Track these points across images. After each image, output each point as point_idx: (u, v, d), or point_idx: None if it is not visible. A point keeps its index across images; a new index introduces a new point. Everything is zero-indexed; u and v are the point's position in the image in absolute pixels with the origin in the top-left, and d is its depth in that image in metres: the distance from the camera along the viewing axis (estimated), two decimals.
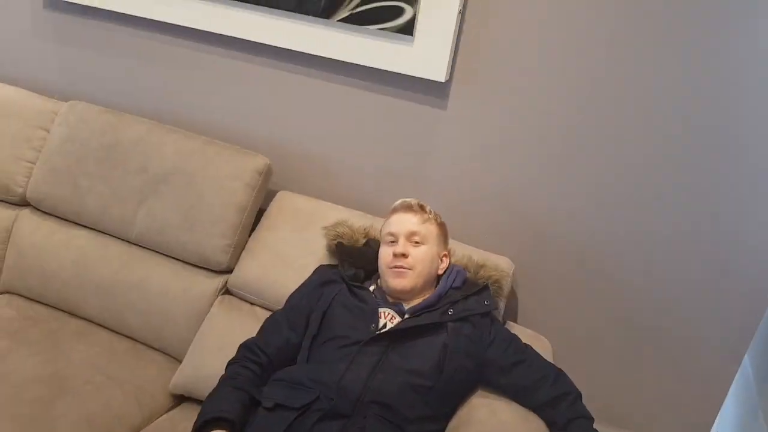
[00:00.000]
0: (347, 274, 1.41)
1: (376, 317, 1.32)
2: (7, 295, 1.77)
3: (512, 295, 1.67)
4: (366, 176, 1.73)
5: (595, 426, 1.25)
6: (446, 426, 1.29)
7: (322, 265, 1.48)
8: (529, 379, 1.31)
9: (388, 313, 1.34)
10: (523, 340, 1.39)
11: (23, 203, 1.82)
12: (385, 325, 1.32)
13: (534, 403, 1.30)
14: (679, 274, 1.53)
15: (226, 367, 1.34)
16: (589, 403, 1.31)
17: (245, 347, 1.37)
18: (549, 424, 1.28)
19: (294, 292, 1.44)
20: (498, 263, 1.50)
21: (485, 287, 1.40)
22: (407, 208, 1.42)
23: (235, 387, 1.26)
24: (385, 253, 1.38)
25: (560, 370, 1.35)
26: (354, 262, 1.45)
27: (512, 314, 1.70)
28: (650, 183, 1.49)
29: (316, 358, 1.31)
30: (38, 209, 1.79)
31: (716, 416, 1.63)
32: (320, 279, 1.42)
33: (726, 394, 1.60)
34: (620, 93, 1.45)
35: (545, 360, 1.36)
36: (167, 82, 1.87)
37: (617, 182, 1.52)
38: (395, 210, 1.44)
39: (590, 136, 1.50)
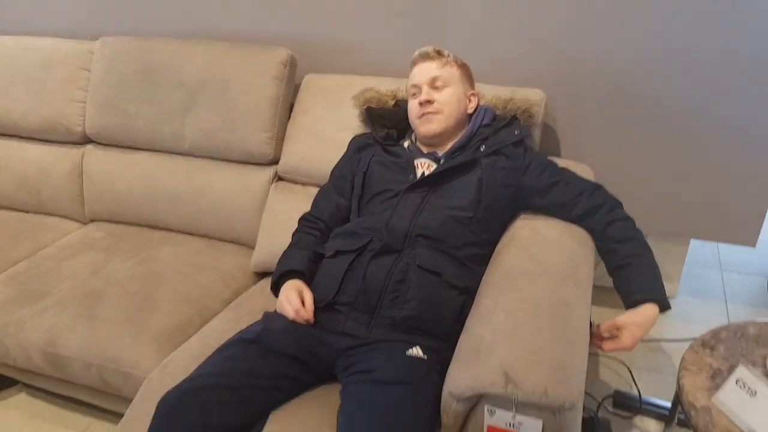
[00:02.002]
0: (380, 136, 1.50)
1: (413, 168, 1.43)
2: (93, 223, 2.01)
3: (549, 130, 1.74)
4: (388, 42, 1.77)
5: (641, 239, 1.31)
6: (492, 250, 1.40)
7: (354, 136, 1.58)
8: (566, 197, 1.38)
9: (425, 163, 1.44)
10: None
11: (85, 140, 2.01)
12: (423, 174, 1.42)
13: (573, 216, 1.38)
14: (722, 93, 1.55)
15: (291, 237, 1.52)
16: (636, 220, 1.37)
17: (303, 219, 1.53)
18: (589, 231, 1.37)
19: (336, 164, 1.57)
20: (527, 95, 1.55)
21: (514, 118, 1.46)
22: (424, 56, 1.44)
23: (300, 248, 1.44)
24: (413, 106, 1.44)
25: (599, 185, 1.41)
26: (385, 123, 1.54)
27: (552, 148, 1.78)
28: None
29: (365, 213, 1.45)
30: (99, 142, 1.99)
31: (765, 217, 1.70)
32: (355, 147, 1.53)
33: None
34: None
35: (583, 178, 1.42)
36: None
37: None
38: (414, 62, 1.46)
39: None
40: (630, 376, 1.77)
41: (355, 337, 1.25)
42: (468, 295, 1.30)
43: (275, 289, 1.38)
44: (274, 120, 1.74)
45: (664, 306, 1.23)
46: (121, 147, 1.96)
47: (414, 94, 1.44)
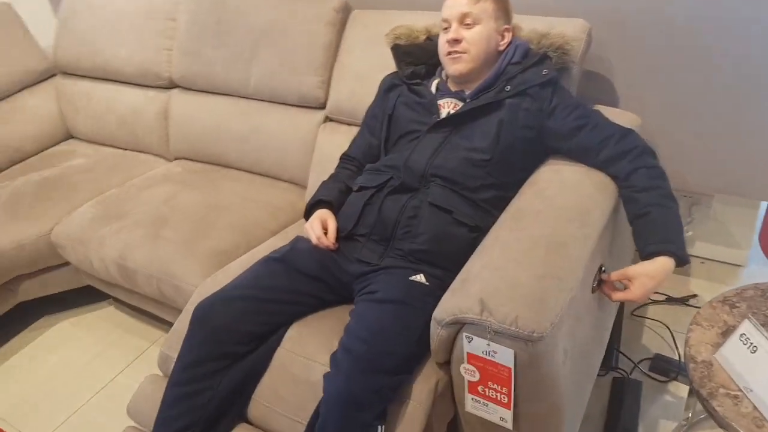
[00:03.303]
0: (405, 74, 1.51)
1: (436, 108, 1.44)
2: (176, 161, 2.25)
3: (596, 76, 1.66)
4: None
5: (677, 194, 1.24)
6: (515, 192, 1.37)
7: (386, 76, 1.59)
8: (592, 141, 1.33)
9: (450, 102, 1.44)
10: (609, 117, 1.37)
11: (172, 85, 2.23)
12: (448, 114, 1.42)
13: (598, 162, 1.33)
14: None
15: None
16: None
17: (341, 157, 1.62)
18: (613, 178, 1.32)
19: (370, 104, 1.62)
20: (564, 30, 1.47)
21: (543, 57, 1.41)
22: None
23: (334, 180, 1.54)
24: (442, 42, 1.41)
25: (629, 130, 1.33)
26: (414, 60, 1.53)
27: (593, 92, 1.70)
28: None
29: (393, 152, 1.49)
30: (183, 87, 2.19)
31: None
32: (385, 87, 1.56)
33: None
34: None
35: (612, 123, 1.35)
36: None
37: None
38: None
39: None
40: (672, 340, 1.69)
41: (369, 264, 1.34)
42: (480, 233, 1.31)
43: (307, 216, 1.49)
44: (327, 64, 1.83)
45: (681, 260, 1.17)
46: (200, 91, 2.15)
47: (445, 29, 1.41)
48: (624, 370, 1.62)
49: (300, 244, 1.41)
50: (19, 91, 2.41)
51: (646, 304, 1.84)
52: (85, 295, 2.16)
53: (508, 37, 1.42)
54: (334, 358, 1.17)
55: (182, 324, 1.39)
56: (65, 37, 2.38)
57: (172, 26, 2.15)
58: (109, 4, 2.28)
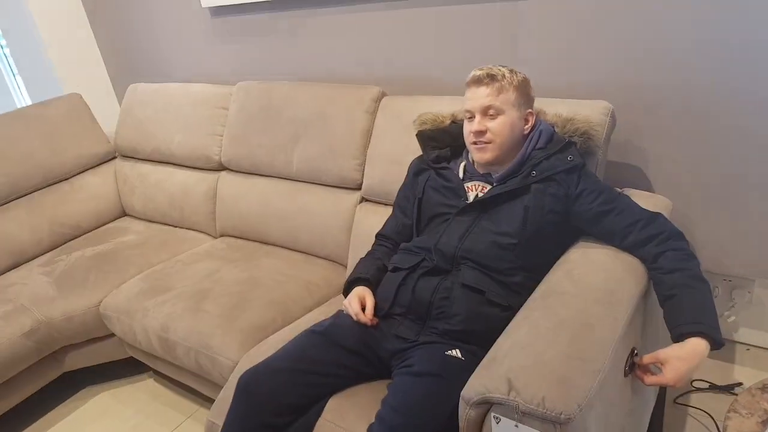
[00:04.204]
0: (430, 158, 1.56)
1: (464, 191, 1.48)
2: (222, 238, 2.35)
3: (624, 157, 1.69)
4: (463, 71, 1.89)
5: (709, 277, 1.22)
6: (545, 273, 1.38)
7: (414, 159, 1.65)
8: (618, 226, 1.34)
9: (478, 185, 1.49)
10: (641, 204, 1.37)
11: (221, 168, 2.37)
12: (476, 197, 1.47)
13: (624, 246, 1.34)
14: None
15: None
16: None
17: (377, 235, 1.68)
18: (642, 261, 1.32)
19: (400, 186, 1.67)
20: (589, 115, 1.51)
21: (568, 143, 1.44)
22: (478, 82, 1.41)
23: (371, 257, 1.59)
24: (467, 131, 1.45)
25: (657, 214, 1.34)
26: (438, 143, 1.59)
27: (626, 178, 1.74)
28: None
29: (424, 234, 1.54)
30: (230, 169, 2.34)
31: None
32: (413, 170, 1.62)
33: None
34: None
35: (640, 207, 1.37)
36: (301, 49, 2.28)
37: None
38: (468, 84, 1.43)
39: None
40: (717, 430, 1.61)
41: (406, 340, 1.38)
42: (512, 312, 1.32)
43: (347, 292, 1.54)
44: (363, 148, 1.93)
45: (714, 341, 1.14)
46: (246, 173, 2.28)
47: (469, 118, 1.45)
48: None
49: (341, 319, 1.45)
50: (82, 171, 2.61)
51: (689, 392, 1.77)
52: (126, 368, 2.22)
53: (531, 120, 1.46)
54: (370, 430, 1.19)
55: (227, 392, 1.44)
56: (127, 124, 2.59)
57: (224, 114, 2.32)
58: (167, 95, 2.49)
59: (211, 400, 2.04)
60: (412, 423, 1.15)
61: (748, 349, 1.87)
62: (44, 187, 2.48)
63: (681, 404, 1.73)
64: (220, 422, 1.37)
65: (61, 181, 2.53)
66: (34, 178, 2.42)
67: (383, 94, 1.94)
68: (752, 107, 1.52)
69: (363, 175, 1.94)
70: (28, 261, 2.34)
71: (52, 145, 2.48)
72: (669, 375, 1.14)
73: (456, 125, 1.60)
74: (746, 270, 1.64)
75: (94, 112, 2.69)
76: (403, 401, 1.21)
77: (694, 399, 1.75)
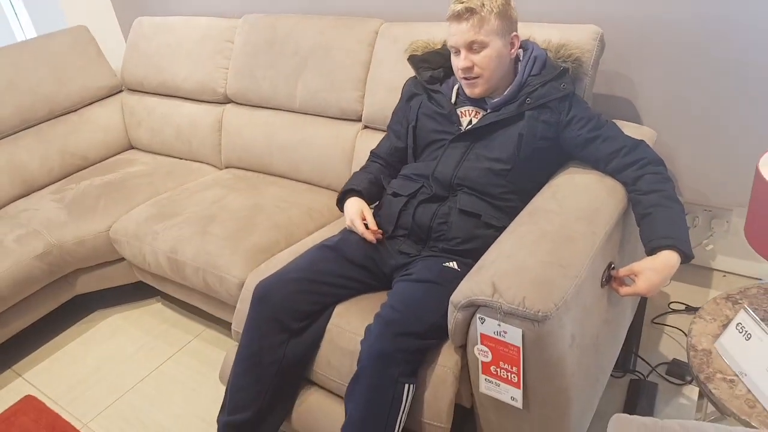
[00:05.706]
0: (424, 79, 1.57)
1: (457, 117, 1.53)
2: (227, 169, 2.43)
3: (611, 87, 1.73)
4: None
5: (682, 203, 1.29)
6: (533, 196, 1.46)
7: (408, 79, 1.68)
8: (603, 152, 1.41)
9: (471, 110, 1.53)
10: (627, 133, 1.43)
11: (226, 100, 2.43)
12: (470, 122, 1.52)
13: (607, 171, 1.42)
14: None
15: None
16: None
17: (371, 152, 1.75)
18: (623, 184, 1.40)
19: (394, 108, 1.72)
20: (580, 40, 1.56)
21: (563, 71, 1.46)
22: (458, 17, 1.40)
23: (365, 171, 1.68)
24: (455, 65, 1.47)
25: (640, 141, 1.41)
26: (431, 65, 1.61)
27: (614, 110, 1.80)
28: None
29: (420, 160, 1.61)
30: (235, 102, 2.39)
31: None
32: (406, 95, 1.66)
33: None
34: None
35: (624, 135, 1.43)
36: None
37: None
38: (449, 19, 1.42)
39: None
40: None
41: (409, 255, 1.50)
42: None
43: (340, 203, 1.64)
44: (365, 81, 1.98)
45: (684, 254, 1.23)
46: (251, 105, 2.34)
47: (455, 53, 1.45)
48: (641, 373, 1.67)
49: (349, 236, 1.56)
50: (90, 104, 2.66)
51: (665, 313, 1.89)
52: (135, 293, 2.34)
53: (517, 43, 1.46)
54: (368, 326, 1.32)
55: (243, 305, 1.57)
56: (133, 58, 2.63)
57: (229, 47, 2.36)
58: (173, 29, 2.52)
59: (217, 320, 2.17)
60: (406, 316, 1.27)
61: (724, 276, 1.98)
62: (52, 119, 2.54)
63: (658, 324, 1.85)
64: (240, 329, 1.52)
65: (68, 113, 2.59)
66: (41, 110, 2.48)
67: (384, 26, 1.98)
68: (742, 40, 1.57)
69: (363, 106, 2.01)
70: (39, 189, 2.43)
71: (57, 76, 2.53)
72: (642, 285, 1.22)
73: (447, 49, 1.60)
74: (725, 200, 1.72)
75: (99, 45, 2.73)
76: (400, 300, 1.32)
77: (671, 319, 1.87)
